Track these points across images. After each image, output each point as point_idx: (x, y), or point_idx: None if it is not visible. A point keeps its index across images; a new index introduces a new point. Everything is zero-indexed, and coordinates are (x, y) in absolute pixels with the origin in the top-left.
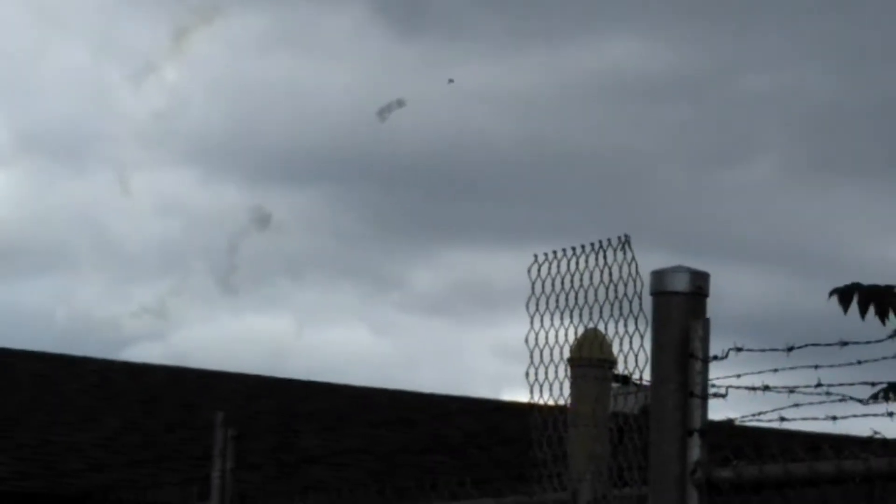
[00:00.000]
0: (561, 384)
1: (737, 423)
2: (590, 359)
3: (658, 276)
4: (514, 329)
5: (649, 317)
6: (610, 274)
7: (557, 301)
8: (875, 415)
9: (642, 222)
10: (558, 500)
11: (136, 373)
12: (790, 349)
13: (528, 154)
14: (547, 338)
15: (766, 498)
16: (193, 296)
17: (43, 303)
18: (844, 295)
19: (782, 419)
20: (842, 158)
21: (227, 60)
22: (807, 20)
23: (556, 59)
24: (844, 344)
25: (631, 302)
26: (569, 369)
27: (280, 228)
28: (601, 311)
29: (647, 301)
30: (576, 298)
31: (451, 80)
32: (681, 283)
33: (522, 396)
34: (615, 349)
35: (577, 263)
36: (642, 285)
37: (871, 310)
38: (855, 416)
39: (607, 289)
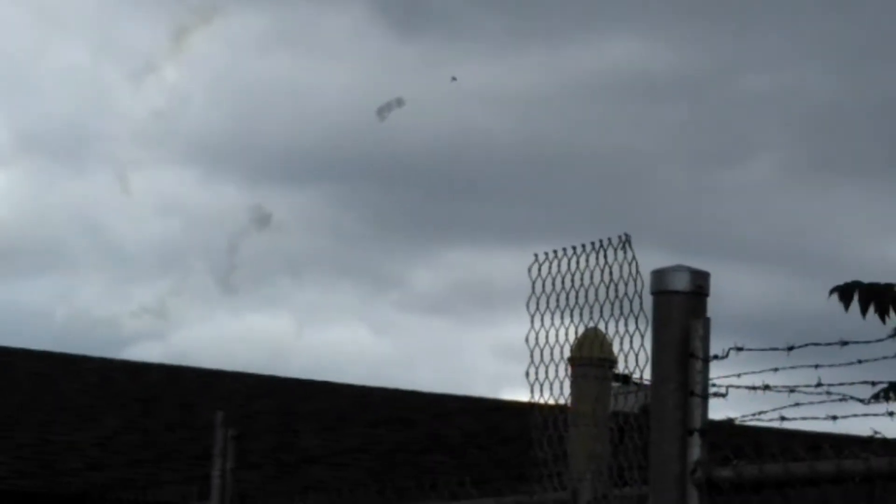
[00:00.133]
0: (561, 383)
1: (737, 422)
2: (590, 358)
3: (658, 275)
4: (514, 328)
5: (650, 316)
6: (610, 273)
7: (558, 300)
8: (875, 414)
9: (642, 222)
10: (558, 499)
11: (136, 372)
12: (790, 349)
13: (528, 154)
14: (547, 337)
15: (766, 497)
16: (193, 295)
17: (42, 302)
18: (845, 293)
19: (783, 419)
20: (842, 158)
21: (227, 60)
22: (807, 20)
23: (555, 59)
24: (845, 343)
25: (631, 301)
26: (569, 368)
27: (280, 228)
28: (601, 311)
29: (648, 300)
30: (576, 298)
31: (453, 79)
32: (681, 283)
33: (522, 396)
34: (615, 348)
35: (578, 263)
36: (643, 284)
37: (872, 308)
38: (855, 415)
39: (608, 288)
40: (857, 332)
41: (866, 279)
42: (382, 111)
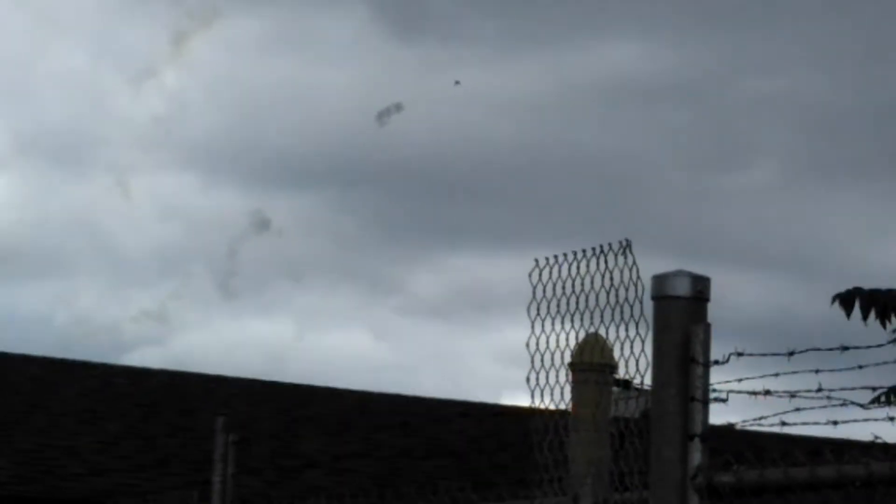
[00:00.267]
0: (562, 389)
1: (738, 427)
2: (591, 363)
3: (659, 280)
4: (515, 333)
5: (650, 321)
6: (611, 278)
7: (558, 305)
8: (876, 419)
9: (643, 226)
10: None
11: (137, 377)
12: (791, 354)
13: (529, 158)
14: (548, 342)
15: (767, 502)
16: (193, 300)
17: (43, 307)
18: (847, 300)
19: (783, 423)
20: (843, 162)
21: (227, 64)
22: (807, 24)
23: (556, 63)
24: (845, 349)
25: (632, 306)
26: (570, 374)
27: (280, 233)
28: (602, 316)
29: (648, 305)
30: (577, 303)
31: (457, 82)
32: (682, 288)
33: (523, 401)
34: (616, 354)
35: (578, 268)
36: (643, 290)
37: (873, 314)
38: (856, 420)
39: (608, 293)
40: (857, 337)
41: (867, 283)
42: (382, 116)
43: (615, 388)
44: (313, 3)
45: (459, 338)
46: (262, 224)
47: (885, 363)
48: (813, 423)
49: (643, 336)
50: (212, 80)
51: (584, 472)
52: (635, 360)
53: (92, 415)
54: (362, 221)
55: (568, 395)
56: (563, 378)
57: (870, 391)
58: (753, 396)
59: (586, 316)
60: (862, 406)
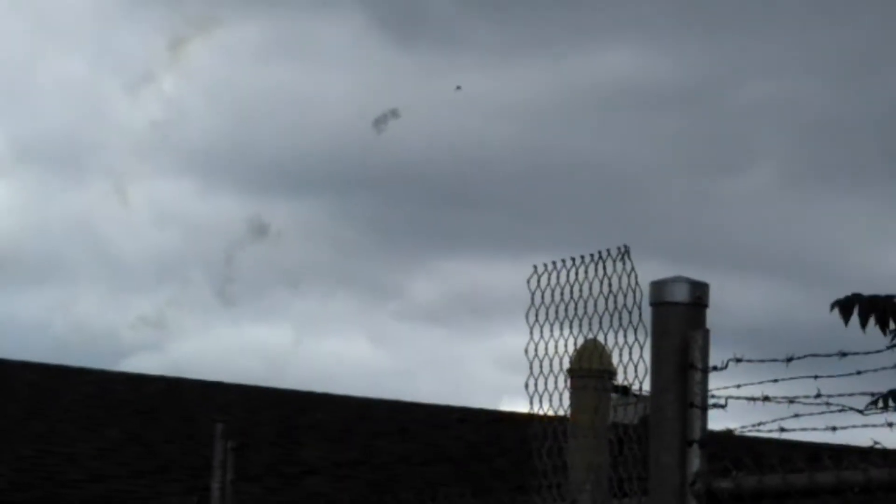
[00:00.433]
0: (560, 395)
1: (736, 433)
2: (589, 369)
3: (658, 286)
4: (514, 339)
5: (649, 327)
6: (609, 284)
7: (557, 311)
8: (875, 425)
9: (641, 232)
10: None
11: (135, 383)
12: (790, 360)
13: (527, 164)
14: (546, 348)
15: None
16: (192, 306)
17: (40, 313)
18: (845, 307)
19: (782, 430)
20: (842, 168)
21: (225, 70)
22: (806, 29)
23: (555, 68)
24: (844, 354)
25: (630, 312)
26: (568, 380)
27: (278, 238)
28: (601, 322)
29: (647, 311)
30: (575, 309)
31: (458, 87)
32: (680, 294)
33: (522, 407)
34: (615, 360)
35: (577, 274)
36: (642, 296)
37: (872, 320)
38: (855, 426)
39: (607, 299)
40: (856, 343)
41: (867, 289)
42: (378, 123)
43: (614, 394)
44: (311, 10)
45: (458, 344)
46: (260, 230)
47: (885, 369)
48: (812, 429)
49: (642, 342)
50: (210, 85)
51: (583, 478)
52: (634, 366)
53: (91, 421)
54: (361, 227)
55: (567, 401)
56: (561, 384)
57: (869, 397)
58: (752, 402)
59: (585, 322)
60: (860, 412)
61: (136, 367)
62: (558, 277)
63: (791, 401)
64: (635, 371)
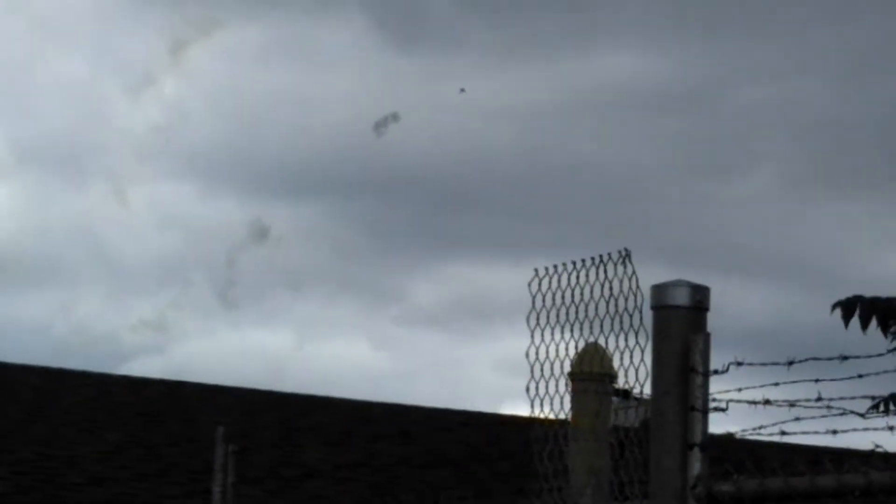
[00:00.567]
0: (561, 398)
1: (737, 436)
2: (590, 373)
3: (658, 290)
4: (515, 343)
5: (650, 331)
6: (610, 288)
7: (558, 315)
8: (876, 428)
9: (642, 235)
10: None
11: (136, 387)
12: (791, 363)
13: (528, 167)
14: (547, 352)
15: None
16: (193, 310)
17: (41, 316)
18: (847, 308)
19: (783, 433)
20: (842, 170)
21: (226, 73)
22: (805, 31)
23: (554, 72)
24: (845, 358)
25: (631, 316)
26: (569, 383)
27: (279, 241)
28: (602, 326)
29: (648, 315)
30: (576, 313)
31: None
32: (681, 297)
33: (523, 410)
34: (616, 363)
35: (578, 277)
36: (643, 299)
37: (873, 322)
38: (855, 429)
39: (608, 303)
40: (857, 346)
41: (867, 292)
42: (379, 126)
43: (615, 398)
44: (312, 13)
45: (459, 347)
46: (261, 233)
47: (886, 372)
48: (812, 433)
49: (643, 346)
50: (211, 89)
51: (584, 482)
52: (635, 370)
53: (92, 424)
54: (361, 230)
55: (568, 405)
56: (562, 387)
57: (869, 401)
58: (753, 406)
59: (586, 325)
60: (861, 415)
61: (137, 371)
62: (559, 281)
63: (792, 404)
64: (636, 374)
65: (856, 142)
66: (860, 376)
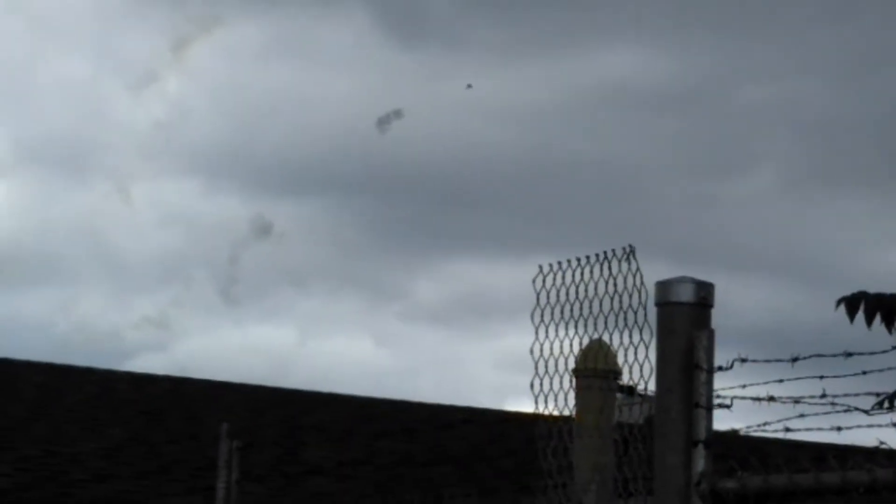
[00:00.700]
0: (566, 395)
1: (742, 433)
2: (595, 369)
3: (663, 286)
4: (519, 339)
5: (654, 327)
6: (615, 285)
7: (562, 312)
8: (880, 425)
9: (645, 232)
10: None
11: (140, 384)
12: (795, 360)
13: (531, 165)
14: (552, 348)
15: None
16: (195, 306)
17: (44, 313)
18: (852, 304)
19: (787, 430)
20: (843, 168)
21: (228, 70)
22: (806, 31)
23: (556, 70)
24: (849, 354)
25: (636, 312)
26: (574, 380)
27: (282, 238)
28: (606, 322)
29: (652, 312)
30: (580, 309)
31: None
32: (686, 294)
33: (527, 407)
34: (620, 360)
35: (582, 274)
36: (647, 296)
37: (878, 319)
38: (860, 426)
39: (612, 299)
40: (861, 342)
41: (871, 289)
42: (382, 123)
43: (619, 394)
44: (314, 10)
45: (462, 344)
46: (264, 230)
47: (890, 369)
48: (817, 429)
49: (647, 342)
50: (213, 86)
51: (589, 479)
52: (639, 366)
53: (95, 421)
54: (364, 227)
55: (572, 401)
56: (566, 384)
57: (874, 397)
58: (757, 402)
59: (590, 322)
60: (866, 412)
61: (141, 368)
62: (563, 278)
63: (796, 401)
64: (640, 371)
65: (856, 141)
66: (864, 373)
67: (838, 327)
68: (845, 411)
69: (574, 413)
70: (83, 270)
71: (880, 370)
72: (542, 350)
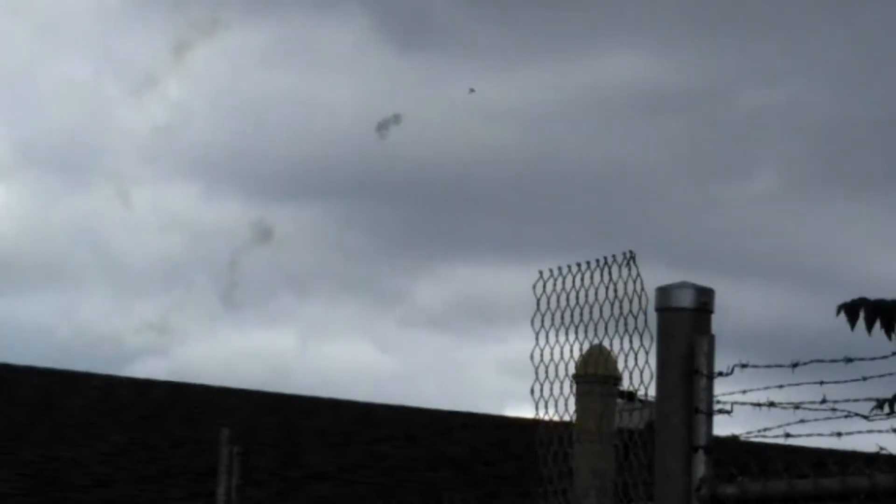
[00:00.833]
0: (566, 400)
1: (742, 438)
2: (595, 375)
3: (663, 292)
4: (519, 345)
5: (654, 333)
6: (615, 290)
7: (562, 317)
8: (880, 431)
9: (646, 237)
10: None
11: (140, 388)
12: (795, 365)
13: (532, 169)
14: (552, 354)
15: None
16: (196, 311)
17: (45, 318)
18: (852, 310)
19: (787, 435)
20: (845, 172)
21: (229, 75)
22: (807, 35)
23: (558, 75)
24: (849, 360)
25: (636, 318)
26: (574, 385)
27: (282, 243)
28: (606, 327)
29: (653, 317)
30: (581, 314)
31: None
32: (686, 300)
33: (527, 412)
34: (620, 365)
35: (583, 280)
36: (647, 301)
37: (878, 325)
38: (860, 432)
39: (612, 305)
40: (861, 348)
41: (870, 294)
42: (382, 128)
43: (619, 400)
44: (315, 14)
45: (463, 349)
46: (265, 235)
47: (890, 374)
48: (817, 435)
49: (647, 348)
50: (214, 90)
51: (589, 484)
52: (639, 372)
53: (96, 426)
54: (365, 232)
55: (572, 407)
56: (567, 389)
57: (874, 403)
58: (757, 408)
59: (590, 327)
60: (866, 417)
61: (141, 372)
62: (564, 283)
63: (796, 406)
64: (641, 376)
65: (859, 144)
66: (865, 378)
67: (839, 332)
68: (845, 417)
69: (574, 418)
70: (83, 275)
71: (880, 376)
72: (542, 355)
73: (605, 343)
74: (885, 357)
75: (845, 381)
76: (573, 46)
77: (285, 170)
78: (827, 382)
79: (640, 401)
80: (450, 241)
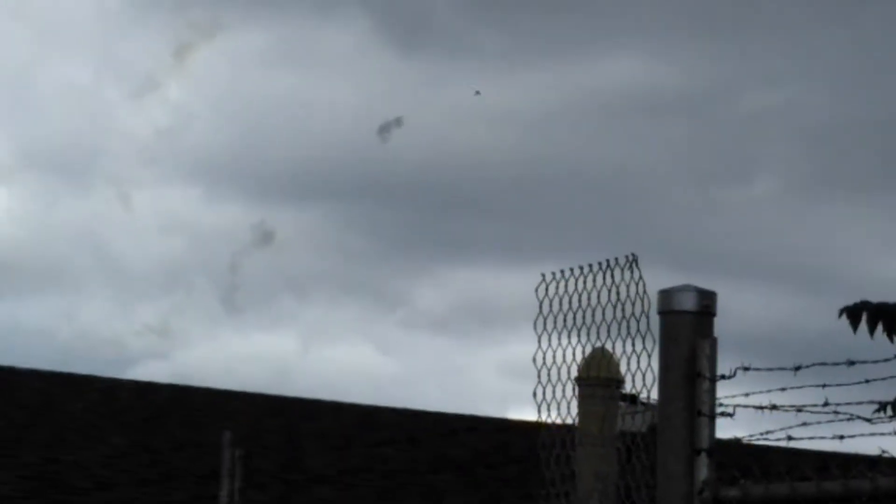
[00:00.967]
0: (568, 403)
1: (744, 441)
2: (597, 378)
3: (665, 295)
4: (521, 348)
5: (657, 336)
6: (617, 293)
7: (565, 320)
8: (882, 434)
9: (648, 240)
10: None
11: (142, 391)
12: (797, 368)
13: (533, 172)
14: (554, 357)
15: None
16: (197, 314)
17: (46, 321)
18: (854, 314)
19: (790, 438)
20: (846, 175)
21: (230, 77)
22: (807, 37)
23: (559, 77)
24: (852, 363)
25: (638, 321)
26: (576, 388)
27: (284, 246)
28: (609, 330)
29: (655, 320)
30: (583, 317)
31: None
32: (688, 303)
33: (529, 415)
34: (622, 368)
35: (585, 282)
36: (650, 304)
37: (880, 328)
38: (862, 434)
39: (615, 308)
40: (864, 351)
41: (872, 296)
42: (383, 131)
43: (622, 403)
44: (316, 17)
45: (465, 352)
46: (266, 237)
47: (893, 377)
48: (819, 438)
49: (650, 351)
50: (215, 93)
51: (591, 487)
52: (642, 375)
53: (97, 429)
54: (366, 235)
55: (575, 410)
56: (569, 392)
57: (877, 406)
58: (760, 411)
59: (593, 330)
60: (868, 420)
61: (143, 375)
62: (566, 286)
63: (799, 409)
64: (643, 379)
65: (860, 146)
66: (867, 381)
67: (841, 335)
68: (848, 420)
69: (577, 421)
70: (85, 278)
71: (883, 379)
72: (544, 358)
73: (608, 346)
74: (887, 360)
75: (848, 384)
76: (574, 48)
77: (286, 172)
78: (829, 385)
79: (643, 404)
80: (451, 243)
